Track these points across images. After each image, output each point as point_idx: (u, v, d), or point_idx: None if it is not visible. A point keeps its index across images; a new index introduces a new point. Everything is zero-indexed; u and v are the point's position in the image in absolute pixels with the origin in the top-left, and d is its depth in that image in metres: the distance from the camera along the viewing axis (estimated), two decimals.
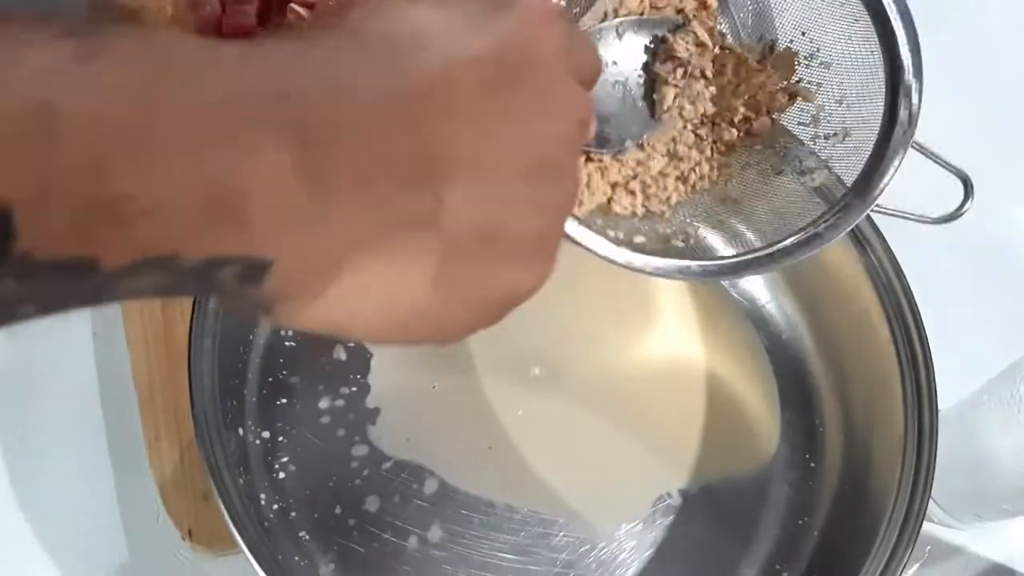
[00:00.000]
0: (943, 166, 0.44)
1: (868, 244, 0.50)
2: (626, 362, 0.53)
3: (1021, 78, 0.69)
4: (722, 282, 0.56)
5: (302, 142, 0.20)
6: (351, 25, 0.24)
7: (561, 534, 0.48)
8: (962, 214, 0.44)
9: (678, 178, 0.45)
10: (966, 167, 0.44)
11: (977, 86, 0.68)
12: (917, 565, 0.53)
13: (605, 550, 0.48)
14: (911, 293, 0.49)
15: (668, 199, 0.44)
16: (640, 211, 0.44)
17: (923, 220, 0.44)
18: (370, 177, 0.22)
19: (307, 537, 0.46)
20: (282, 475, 0.47)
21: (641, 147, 0.44)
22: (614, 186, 0.44)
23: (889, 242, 0.50)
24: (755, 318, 0.55)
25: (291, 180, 0.20)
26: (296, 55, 0.22)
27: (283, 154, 0.20)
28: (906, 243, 0.51)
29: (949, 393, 0.49)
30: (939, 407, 0.47)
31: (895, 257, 0.50)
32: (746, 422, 0.53)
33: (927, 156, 0.44)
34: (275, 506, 0.46)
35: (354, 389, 0.50)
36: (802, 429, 0.53)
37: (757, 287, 0.56)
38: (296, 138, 0.20)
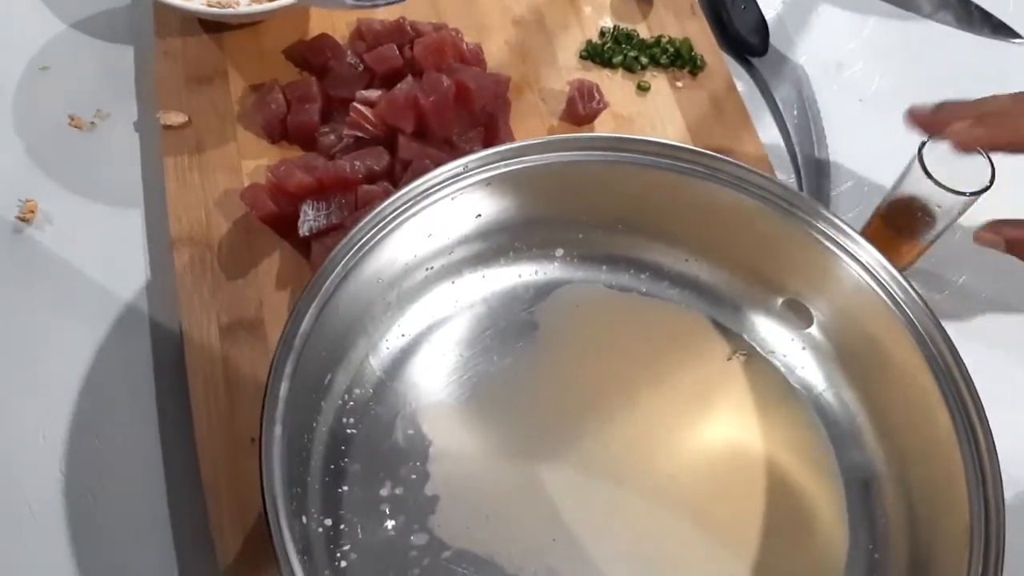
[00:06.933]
0: None
1: (926, 331, 0.50)
2: (687, 454, 0.53)
3: None
4: (780, 369, 0.56)
5: None
6: None
7: None
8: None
9: None
10: None
11: None
12: None
13: None
14: (971, 380, 0.49)
15: None
16: None
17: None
18: None
19: None
20: (344, 563, 0.47)
21: None
22: None
23: (946, 327, 0.50)
24: (814, 406, 0.55)
25: None
26: None
27: None
28: (966, 329, 0.51)
29: (1016, 480, 0.48)
30: (1005, 495, 0.46)
31: (953, 343, 0.50)
32: (809, 513, 0.52)
33: None
34: None
35: (413, 476, 0.50)
36: (865, 520, 0.52)
37: (814, 375, 0.56)
38: None
